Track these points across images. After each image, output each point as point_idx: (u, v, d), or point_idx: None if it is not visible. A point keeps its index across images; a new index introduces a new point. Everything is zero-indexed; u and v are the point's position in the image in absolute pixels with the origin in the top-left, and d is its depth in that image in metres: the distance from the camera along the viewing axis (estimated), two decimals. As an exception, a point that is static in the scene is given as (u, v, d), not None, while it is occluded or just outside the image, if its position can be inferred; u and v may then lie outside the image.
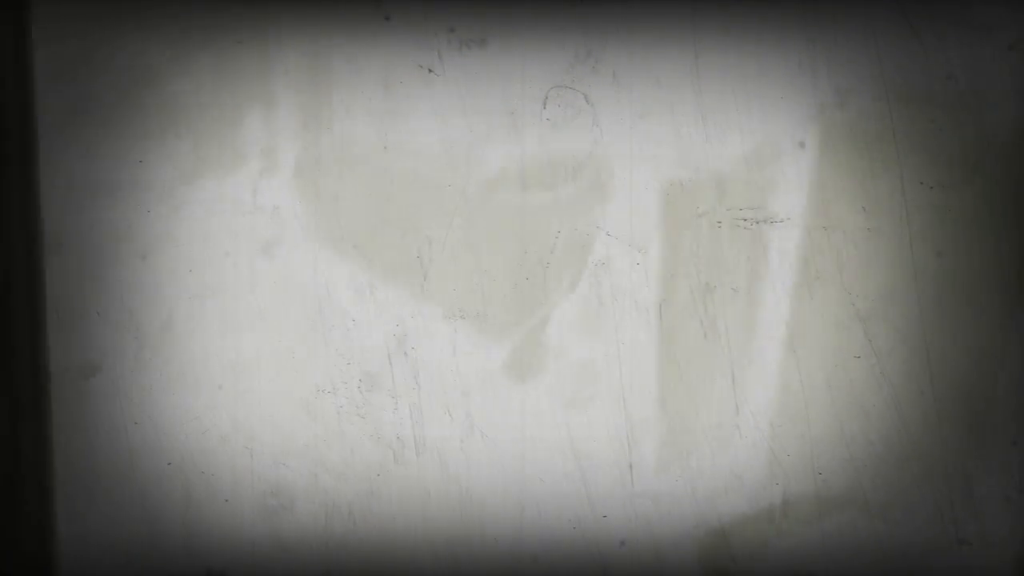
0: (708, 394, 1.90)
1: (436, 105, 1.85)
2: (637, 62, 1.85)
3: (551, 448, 1.91)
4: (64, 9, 1.85)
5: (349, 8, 1.84)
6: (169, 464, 1.90)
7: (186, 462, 1.90)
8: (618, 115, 1.85)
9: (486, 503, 1.92)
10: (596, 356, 1.89)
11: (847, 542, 1.92)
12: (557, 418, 1.90)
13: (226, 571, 1.92)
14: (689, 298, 1.88)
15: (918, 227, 1.87)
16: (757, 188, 1.86)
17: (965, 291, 1.88)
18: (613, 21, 1.84)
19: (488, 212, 1.87)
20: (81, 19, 1.85)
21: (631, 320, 1.88)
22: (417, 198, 1.87)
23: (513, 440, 1.91)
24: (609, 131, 1.85)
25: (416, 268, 1.87)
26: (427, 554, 1.93)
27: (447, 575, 1.93)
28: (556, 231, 1.87)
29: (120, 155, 1.85)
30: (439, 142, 1.86)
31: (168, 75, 1.85)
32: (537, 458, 1.91)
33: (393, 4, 1.83)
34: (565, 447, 1.91)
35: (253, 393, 1.89)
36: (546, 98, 1.85)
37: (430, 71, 1.84)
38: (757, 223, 1.87)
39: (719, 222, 1.87)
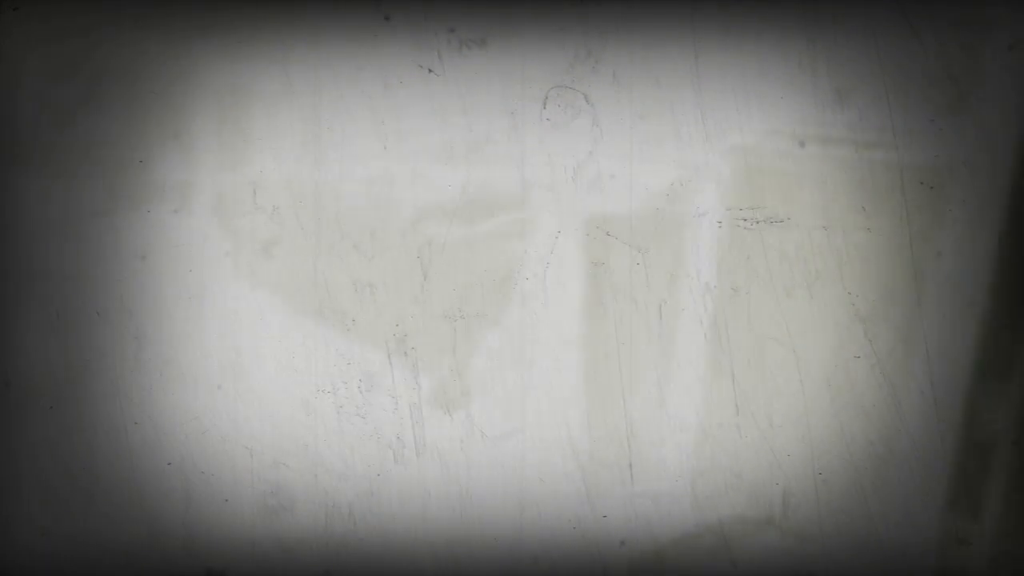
0: (708, 394, 1.90)
1: (436, 105, 1.85)
2: (637, 62, 1.85)
3: (551, 448, 1.91)
4: None
5: (349, 8, 1.84)
6: (169, 464, 1.90)
7: (186, 462, 1.90)
8: (618, 115, 1.85)
9: (486, 503, 1.92)
10: (597, 355, 1.89)
11: (847, 542, 1.92)
12: (557, 418, 1.90)
13: (226, 571, 1.92)
14: (689, 298, 1.88)
15: (918, 227, 1.87)
16: (757, 188, 1.86)
17: (965, 291, 1.87)
18: (613, 21, 1.84)
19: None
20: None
21: (631, 319, 1.88)
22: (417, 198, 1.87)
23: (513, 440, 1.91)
24: (609, 131, 1.85)
25: (416, 268, 1.88)
26: (427, 554, 1.93)
27: (447, 575, 1.93)
28: (556, 231, 1.87)
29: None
30: (439, 142, 1.86)
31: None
32: (537, 458, 1.91)
33: (393, 4, 1.83)
34: (565, 447, 1.91)
35: (253, 393, 1.89)
36: (546, 98, 1.85)
37: (430, 71, 1.84)
38: (757, 223, 1.87)
39: (719, 222, 1.87)
